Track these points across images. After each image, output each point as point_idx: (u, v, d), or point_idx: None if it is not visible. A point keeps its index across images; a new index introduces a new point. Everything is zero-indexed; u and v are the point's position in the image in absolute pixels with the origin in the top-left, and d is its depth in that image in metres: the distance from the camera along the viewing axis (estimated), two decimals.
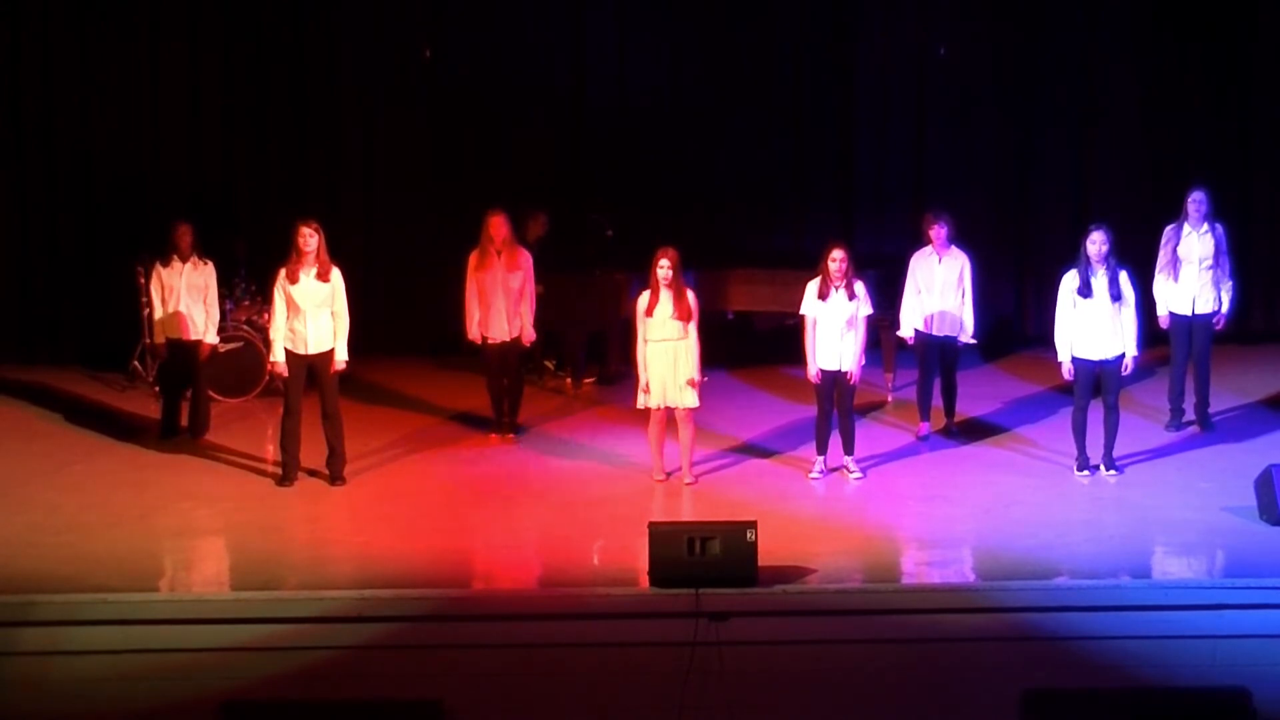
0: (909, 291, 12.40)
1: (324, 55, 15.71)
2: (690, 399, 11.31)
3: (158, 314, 12.63)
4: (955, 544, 10.30)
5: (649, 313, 11.29)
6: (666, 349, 11.27)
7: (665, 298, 11.28)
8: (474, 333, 12.54)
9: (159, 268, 12.62)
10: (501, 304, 12.44)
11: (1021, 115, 15.88)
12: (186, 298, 12.56)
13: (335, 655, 8.95)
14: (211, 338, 12.72)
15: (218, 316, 12.79)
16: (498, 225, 12.42)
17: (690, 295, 11.35)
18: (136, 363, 14.24)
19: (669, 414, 11.36)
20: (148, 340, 13.50)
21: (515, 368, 12.69)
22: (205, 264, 12.68)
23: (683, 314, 11.27)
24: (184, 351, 12.61)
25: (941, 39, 15.82)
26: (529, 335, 12.61)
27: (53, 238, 15.60)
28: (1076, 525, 10.41)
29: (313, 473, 11.58)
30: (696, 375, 11.30)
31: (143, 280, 13.32)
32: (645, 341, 11.31)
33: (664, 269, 11.24)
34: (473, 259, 12.51)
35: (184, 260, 12.59)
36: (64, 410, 13.67)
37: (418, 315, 15.49)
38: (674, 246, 11.37)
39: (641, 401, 11.37)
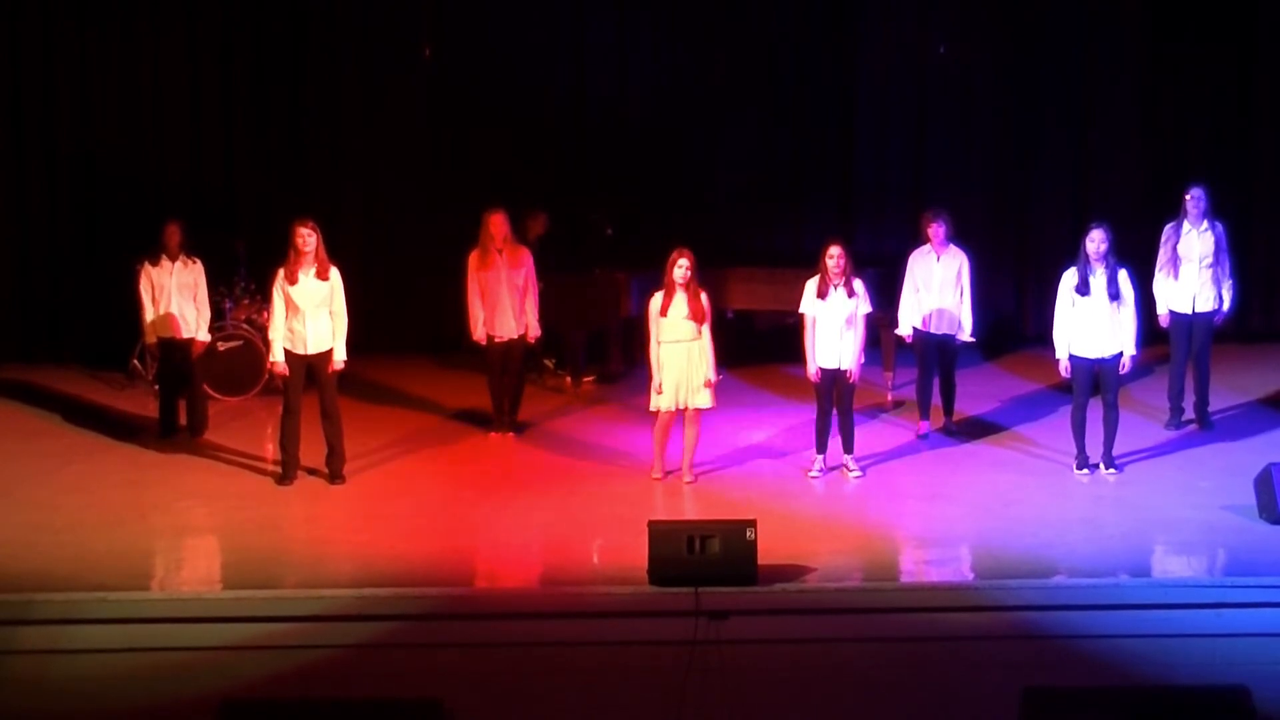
0: (907, 290, 12.41)
1: (324, 55, 15.72)
2: (705, 399, 11.30)
3: (149, 315, 12.58)
4: (955, 542, 10.31)
5: (664, 313, 11.26)
6: (681, 349, 11.26)
7: (680, 298, 11.25)
8: (479, 333, 12.51)
9: (149, 267, 12.59)
10: (507, 302, 12.45)
11: (1021, 115, 15.89)
12: (177, 296, 12.54)
13: (335, 654, 8.94)
14: (204, 335, 12.70)
15: (209, 314, 12.76)
16: (498, 224, 12.42)
17: (704, 296, 11.34)
18: (136, 361, 14.24)
19: (679, 414, 11.36)
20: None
21: (517, 366, 12.69)
22: (194, 262, 12.66)
23: (697, 314, 11.26)
24: (178, 350, 12.61)
25: (941, 39, 15.83)
26: (535, 331, 12.63)
27: (53, 238, 15.62)
28: (1076, 524, 10.41)
29: (312, 471, 11.59)
30: (713, 375, 11.31)
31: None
32: (659, 342, 11.29)
33: (682, 269, 11.22)
34: (473, 259, 12.51)
35: (173, 259, 12.58)
36: (64, 410, 13.69)
37: (418, 313, 15.53)
38: (689, 247, 11.36)
39: (655, 403, 11.34)
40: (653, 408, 11.38)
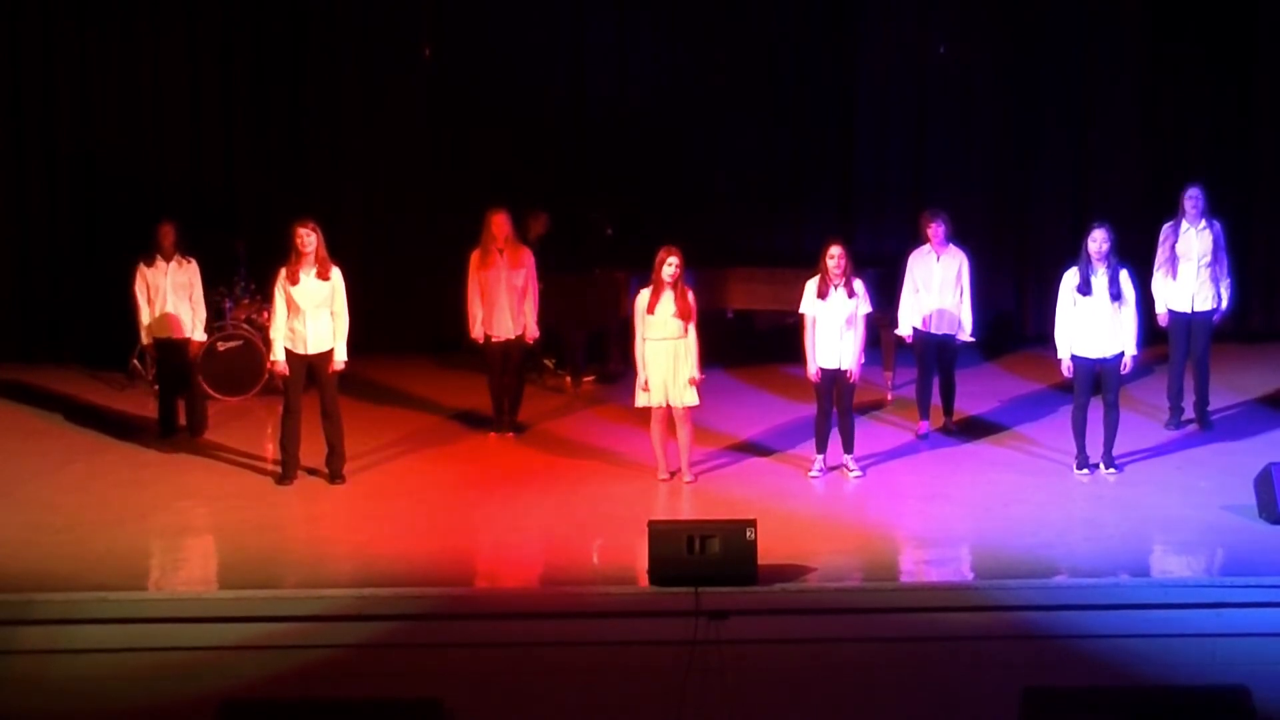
0: (907, 290, 12.41)
1: (324, 55, 15.72)
2: (691, 397, 11.31)
3: (144, 316, 12.56)
4: (954, 542, 10.30)
5: (650, 310, 11.28)
6: (667, 347, 11.27)
7: (667, 296, 11.27)
8: (477, 332, 12.54)
9: (143, 268, 12.56)
10: (505, 302, 12.46)
11: (1021, 115, 15.89)
12: (173, 296, 12.52)
13: (335, 654, 8.94)
14: (200, 335, 12.70)
15: (204, 313, 12.74)
16: (500, 224, 12.44)
17: (690, 295, 11.36)
18: (136, 361, 14.23)
19: (669, 412, 11.36)
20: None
21: (517, 366, 12.70)
22: (189, 262, 12.64)
23: (684, 313, 11.27)
24: (176, 351, 12.60)
25: (941, 39, 15.83)
26: (533, 332, 12.64)
27: (53, 238, 15.62)
28: (1076, 523, 10.41)
29: (312, 471, 11.59)
30: (697, 374, 11.31)
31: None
32: (644, 340, 11.31)
33: (671, 267, 11.23)
34: (474, 258, 12.52)
35: (168, 259, 12.56)
36: (64, 409, 13.68)
37: (418, 313, 15.52)
38: (678, 246, 11.38)
39: (641, 400, 11.36)
40: (639, 404, 11.40)
